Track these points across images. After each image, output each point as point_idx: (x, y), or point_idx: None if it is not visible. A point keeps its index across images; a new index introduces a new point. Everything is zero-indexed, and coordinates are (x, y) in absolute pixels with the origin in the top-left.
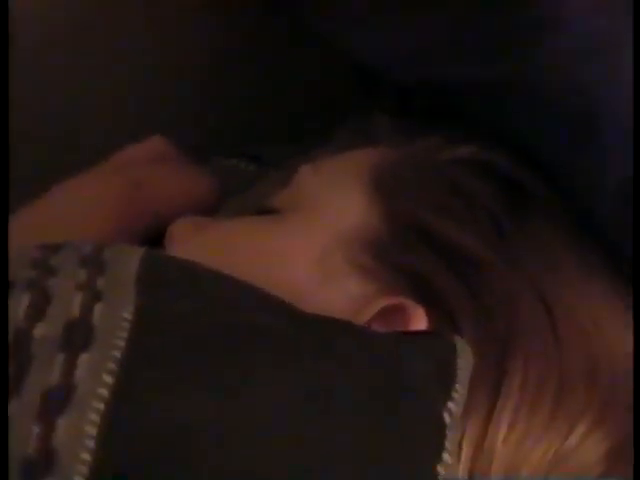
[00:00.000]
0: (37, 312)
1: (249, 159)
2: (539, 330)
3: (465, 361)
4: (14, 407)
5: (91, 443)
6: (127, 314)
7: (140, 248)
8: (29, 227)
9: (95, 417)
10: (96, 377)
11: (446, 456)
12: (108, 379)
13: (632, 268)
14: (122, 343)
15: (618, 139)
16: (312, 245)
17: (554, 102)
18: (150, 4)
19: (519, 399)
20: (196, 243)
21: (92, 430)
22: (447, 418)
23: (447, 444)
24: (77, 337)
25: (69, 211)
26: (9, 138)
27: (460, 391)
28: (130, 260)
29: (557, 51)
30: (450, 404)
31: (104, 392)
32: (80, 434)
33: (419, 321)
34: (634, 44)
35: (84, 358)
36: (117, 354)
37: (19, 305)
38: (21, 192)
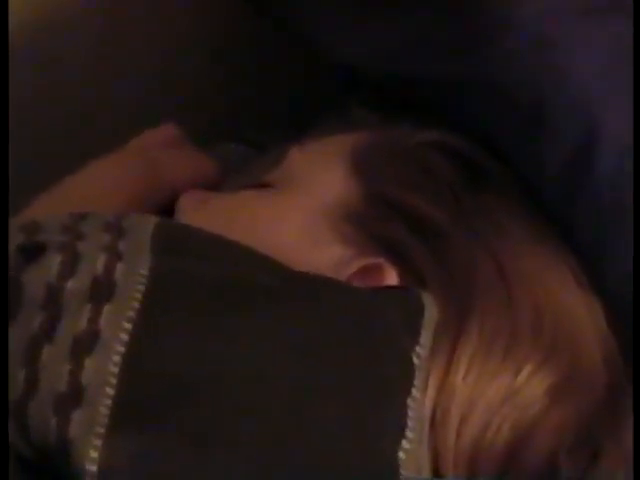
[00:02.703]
0: (68, 270)
1: (247, 143)
2: (493, 289)
3: (430, 312)
4: (48, 351)
5: (114, 380)
6: (144, 271)
7: (154, 217)
8: (60, 201)
9: (117, 358)
10: (117, 324)
11: (415, 391)
12: (128, 325)
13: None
14: (139, 295)
15: (566, 127)
16: (300, 214)
17: (508, 95)
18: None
19: (476, 346)
20: (201, 213)
21: (114, 369)
22: (415, 360)
23: (416, 382)
24: (102, 291)
25: (96, 188)
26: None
27: (426, 337)
28: (146, 227)
29: (509, 51)
30: (418, 348)
31: (124, 336)
32: (104, 372)
33: (391, 279)
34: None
35: (107, 308)
36: (135, 304)
37: (52, 264)
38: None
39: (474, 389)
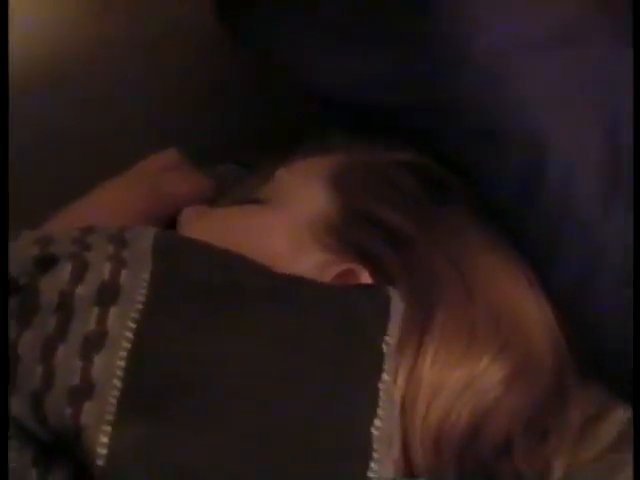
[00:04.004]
0: (78, 277)
1: (240, 164)
2: (454, 289)
3: (397, 306)
4: (62, 350)
5: (121, 373)
6: (145, 276)
7: (153, 228)
8: (73, 218)
9: (123, 354)
10: (123, 324)
11: (385, 376)
12: (132, 325)
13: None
14: (142, 298)
15: (517, 146)
16: (286, 226)
17: (464, 119)
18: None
19: (440, 340)
20: (199, 225)
21: (121, 363)
22: (384, 347)
23: (385, 367)
24: (108, 295)
25: (106, 206)
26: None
27: (394, 328)
28: (146, 237)
29: (465, 83)
30: (386, 337)
31: (130, 335)
32: (112, 367)
33: (365, 281)
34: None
35: (114, 310)
36: (139, 306)
37: (64, 273)
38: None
39: (438, 378)
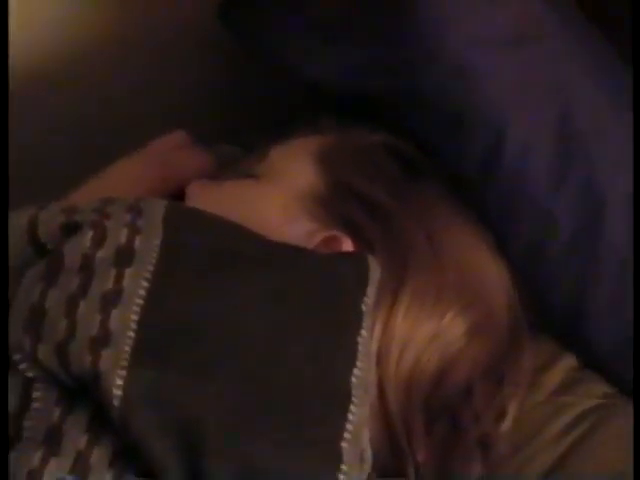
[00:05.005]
0: (98, 242)
1: (239, 144)
2: (424, 254)
3: (374, 271)
4: (83, 305)
5: (134, 325)
6: (157, 242)
7: (165, 200)
8: (94, 191)
9: (137, 308)
10: (137, 283)
11: (363, 332)
12: (145, 284)
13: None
14: (154, 261)
15: (479, 130)
16: (278, 197)
17: (435, 105)
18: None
19: (411, 297)
20: (203, 198)
21: (135, 317)
22: (363, 307)
23: (364, 324)
24: (124, 258)
25: (122, 181)
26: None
27: (372, 290)
28: (159, 208)
29: (436, 75)
30: (365, 298)
31: (142, 292)
32: (127, 320)
33: (347, 247)
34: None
35: (129, 271)
36: (151, 268)
37: (86, 238)
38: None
39: (409, 331)
